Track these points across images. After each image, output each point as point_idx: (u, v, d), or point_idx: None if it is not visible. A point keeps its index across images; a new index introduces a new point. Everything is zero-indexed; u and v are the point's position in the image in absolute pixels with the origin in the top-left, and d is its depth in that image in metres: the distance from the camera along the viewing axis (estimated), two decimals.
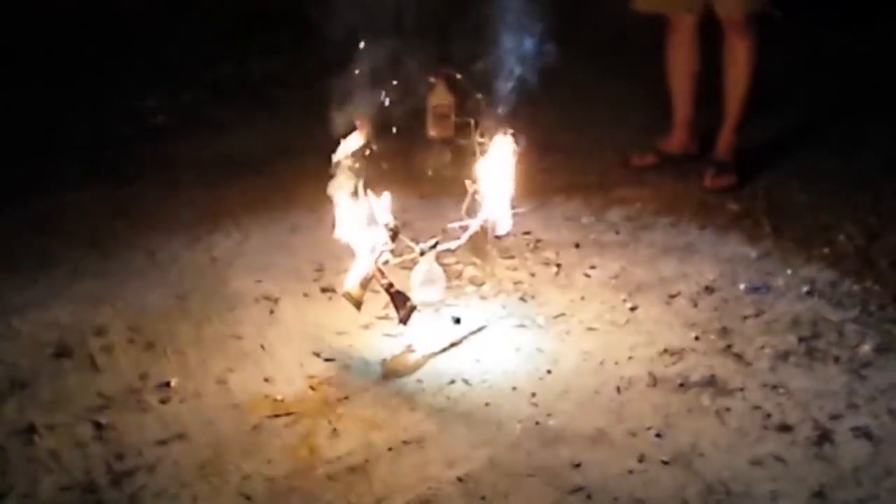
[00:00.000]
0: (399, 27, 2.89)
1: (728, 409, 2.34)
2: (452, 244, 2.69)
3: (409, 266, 2.67)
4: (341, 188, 2.55)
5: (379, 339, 2.64)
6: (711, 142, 3.81)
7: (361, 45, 2.63)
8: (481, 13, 2.85)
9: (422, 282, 2.62)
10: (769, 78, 3.75)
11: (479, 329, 2.67)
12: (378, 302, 2.70)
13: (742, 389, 2.42)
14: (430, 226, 3.05)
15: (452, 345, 2.59)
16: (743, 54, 3.61)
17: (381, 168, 2.61)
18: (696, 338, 2.64)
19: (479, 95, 2.82)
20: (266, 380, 2.46)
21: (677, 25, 3.77)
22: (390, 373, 2.50)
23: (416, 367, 2.52)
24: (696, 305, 2.82)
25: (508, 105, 2.78)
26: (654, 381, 2.45)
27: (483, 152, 2.65)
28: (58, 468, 2.14)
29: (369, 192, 2.56)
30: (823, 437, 2.24)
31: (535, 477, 2.12)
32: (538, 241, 3.21)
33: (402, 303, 2.54)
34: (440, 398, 2.39)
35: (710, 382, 2.44)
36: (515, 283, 2.95)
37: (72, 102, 4.42)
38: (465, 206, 2.62)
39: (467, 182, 2.63)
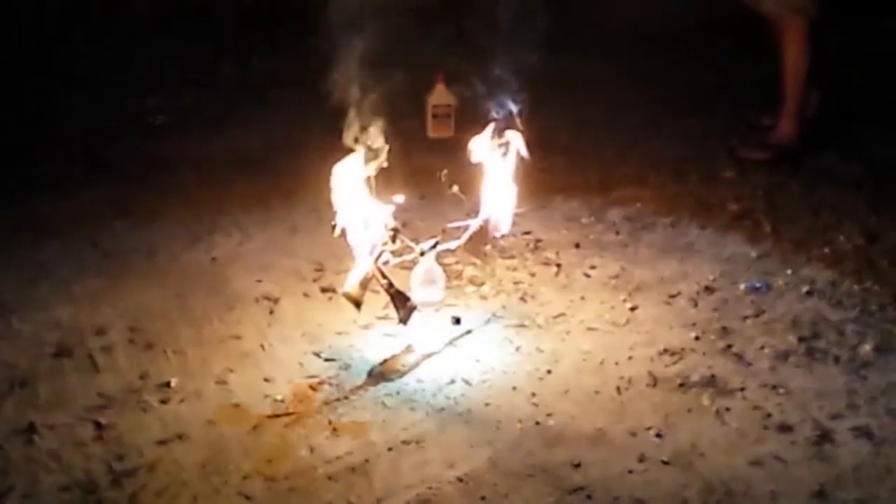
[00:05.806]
0: (398, 26, 2.88)
1: (728, 409, 2.34)
2: (452, 244, 2.69)
3: (409, 266, 2.67)
4: (342, 188, 2.55)
5: (379, 339, 2.63)
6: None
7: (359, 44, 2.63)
8: (482, 14, 2.86)
9: (422, 282, 2.62)
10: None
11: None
12: (378, 302, 2.70)
13: (742, 389, 2.42)
14: (430, 226, 3.05)
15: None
16: (786, 45, 3.72)
17: (381, 168, 2.61)
18: (696, 338, 2.64)
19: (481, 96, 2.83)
20: (266, 380, 2.46)
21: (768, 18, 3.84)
22: (389, 372, 2.50)
23: (416, 366, 2.52)
24: (696, 305, 2.81)
25: (509, 105, 2.78)
26: (654, 381, 2.45)
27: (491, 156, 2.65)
28: (58, 468, 2.14)
29: (369, 192, 2.56)
30: (823, 437, 2.24)
31: (535, 477, 2.11)
32: (538, 241, 3.21)
33: (402, 303, 2.54)
34: (440, 398, 2.39)
35: (710, 382, 2.44)
36: (515, 283, 2.94)
37: (72, 102, 4.42)
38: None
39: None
